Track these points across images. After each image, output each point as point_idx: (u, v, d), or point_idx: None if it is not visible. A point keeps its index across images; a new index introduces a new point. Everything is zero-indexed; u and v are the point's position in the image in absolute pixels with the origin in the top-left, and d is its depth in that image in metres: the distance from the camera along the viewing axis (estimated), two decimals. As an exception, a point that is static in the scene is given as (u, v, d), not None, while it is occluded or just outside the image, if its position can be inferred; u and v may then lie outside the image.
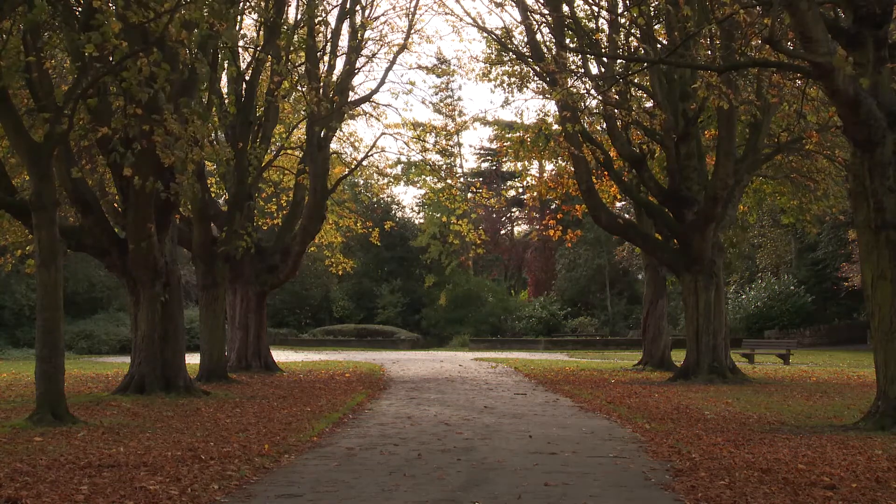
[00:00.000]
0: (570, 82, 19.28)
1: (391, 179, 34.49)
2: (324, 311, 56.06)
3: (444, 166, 32.51)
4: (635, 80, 22.84)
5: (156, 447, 10.17)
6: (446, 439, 11.19)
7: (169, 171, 15.72)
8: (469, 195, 39.87)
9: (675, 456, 9.61)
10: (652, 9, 21.98)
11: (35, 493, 7.48)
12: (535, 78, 24.80)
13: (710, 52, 18.83)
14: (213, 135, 23.89)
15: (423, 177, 33.24)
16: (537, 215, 53.16)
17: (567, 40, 23.73)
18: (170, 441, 10.70)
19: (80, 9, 15.43)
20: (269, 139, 25.28)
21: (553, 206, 46.31)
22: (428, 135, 29.90)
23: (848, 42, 11.92)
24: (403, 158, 33.19)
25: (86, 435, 11.20)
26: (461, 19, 39.14)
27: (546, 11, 23.43)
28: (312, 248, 33.96)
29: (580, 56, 23.54)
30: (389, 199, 57.60)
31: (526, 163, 31.15)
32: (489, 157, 62.74)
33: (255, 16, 24.07)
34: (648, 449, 10.27)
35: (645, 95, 24.61)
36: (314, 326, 54.01)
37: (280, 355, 32.11)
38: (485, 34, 26.12)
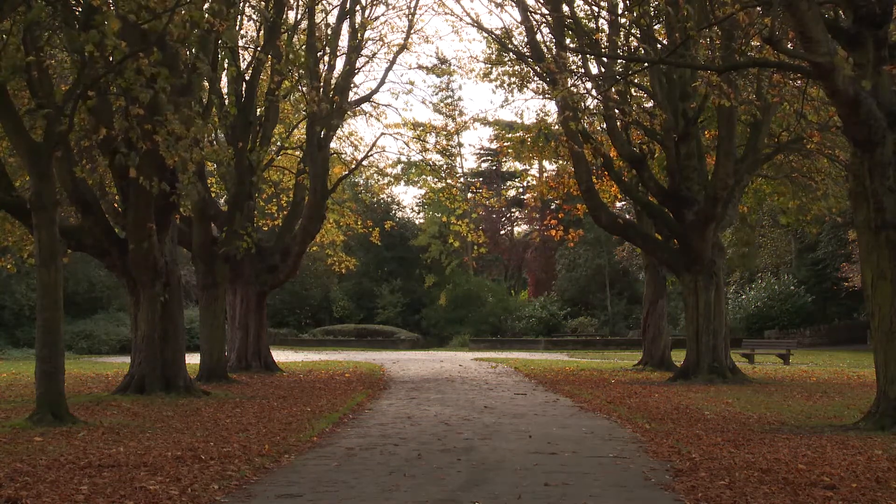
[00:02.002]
0: (570, 82, 19.27)
1: (391, 179, 34.50)
2: (324, 311, 56.07)
3: (444, 166, 32.52)
4: (635, 80, 22.85)
5: (156, 447, 10.17)
6: (446, 439, 11.20)
7: (171, 171, 15.73)
8: (469, 195, 39.87)
9: (675, 456, 9.61)
10: (652, 9, 21.99)
11: (35, 493, 7.48)
12: (535, 78, 24.81)
13: (710, 52, 18.83)
14: (213, 135, 23.91)
15: (423, 177, 33.25)
16: (537, 215, 53.18)
17: (567, 40, 23.74)
18: (170, 441, 10.70)
19: (79, 9, 15.43)
20: (269, 139, 25.29)
21: (553, 206, 46.32)
22: (428, 135, 29.91)
23: (848, 42, 11.92)
24: (403, 158, 33.21)
25: (86, 435, 11.20)
26: (461, 19, 39.09)
27: (546, 11, 23.44)
28: (314, 248, 33.98)
29: (580, 56, 23.54)
30: (389, 199, 57.62)
31: (527, 163, 31.18)
32: (489, 157, 62.72)
33: (255, 16, 24.10)
34: (648, 449, 10.27)
35: (645, 95, 24.61)
36: (314, 326, 54.02)
37: (280, 355, 32.12)
38: (485, 34, 26.15)
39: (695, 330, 21.45)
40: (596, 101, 22.76)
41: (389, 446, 10.57)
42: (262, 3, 22.29)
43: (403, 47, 27.22)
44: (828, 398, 16.72)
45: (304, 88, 23.53)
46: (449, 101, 50.43)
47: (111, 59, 13.00)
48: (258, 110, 24.48)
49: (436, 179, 31.81)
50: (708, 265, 21.63)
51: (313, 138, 25.57)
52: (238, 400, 16.35)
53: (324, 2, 25.33)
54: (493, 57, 26.28)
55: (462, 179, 47.27)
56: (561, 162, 28.77)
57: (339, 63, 26.88)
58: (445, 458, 9.64)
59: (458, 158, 56.10)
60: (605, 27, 23.86)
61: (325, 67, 25.82)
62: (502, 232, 66.32)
